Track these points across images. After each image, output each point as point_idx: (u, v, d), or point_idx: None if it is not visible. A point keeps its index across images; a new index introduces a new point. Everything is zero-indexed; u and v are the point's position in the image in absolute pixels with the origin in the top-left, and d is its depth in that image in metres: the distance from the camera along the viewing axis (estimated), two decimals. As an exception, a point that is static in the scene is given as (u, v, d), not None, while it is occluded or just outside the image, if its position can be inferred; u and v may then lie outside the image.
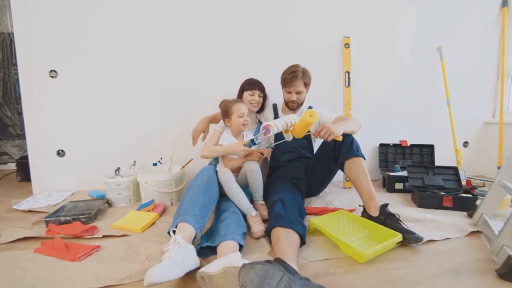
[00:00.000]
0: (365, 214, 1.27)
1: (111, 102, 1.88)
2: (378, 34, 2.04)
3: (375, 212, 1.21)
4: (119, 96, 1.88)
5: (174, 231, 0.93)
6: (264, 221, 1.27)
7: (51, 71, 1.80)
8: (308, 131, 1.28)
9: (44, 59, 1.79)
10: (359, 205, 1.33)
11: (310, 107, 1.63)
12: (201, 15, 1.86)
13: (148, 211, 1.46)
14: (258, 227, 1.17)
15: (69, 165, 1.89)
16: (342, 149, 1.33)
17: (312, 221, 1.21)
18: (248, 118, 1.40)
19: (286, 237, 1.00)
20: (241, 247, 1.02)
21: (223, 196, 1.31)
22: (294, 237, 1.02)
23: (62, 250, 1.07)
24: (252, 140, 1.30)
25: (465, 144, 2.27)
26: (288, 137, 1.30)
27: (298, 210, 1.21)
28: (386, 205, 1.21)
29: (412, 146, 2.08)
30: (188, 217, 1.01)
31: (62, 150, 1.88)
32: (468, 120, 2.24)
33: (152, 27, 1.84)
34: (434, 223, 1.28)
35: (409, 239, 1.07)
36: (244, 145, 1.32)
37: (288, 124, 1.26)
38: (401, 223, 1.15)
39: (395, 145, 2.09)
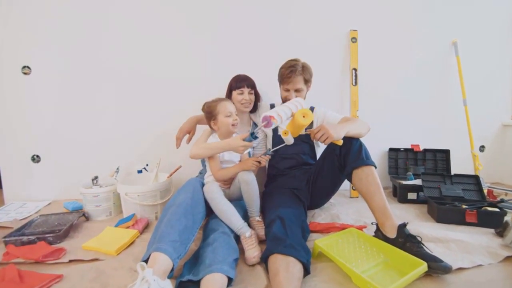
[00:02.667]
0: (379, 234, 1.07)
1: (92, 101, 1.70)
2: (387, 28, 1.85)
3: (391, 233, 1.02)
4: (101, 94, 1.70)
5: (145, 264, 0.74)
6: (262, 242, 1.09)
7: (24, 67, 1.62)
8: (306, 131, 1.09)
9: (16, 53, 1.60)
10: (372, 223, 1.14)
11: (312, 108, 1.43)
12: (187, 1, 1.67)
13: (128, 227, 1.27)
14: (252, 252, 0.97)
15: (45, 171, 1.71)
16: (349, 157, 1.15)
17: (317, 243, 1.02)
18: (237, 118, 1.21)
19: (286, 269, 0.81)
20: (230, 280, 0.83)
21: (212, 212, 1.11)
22: (296, 268, 0.83)
23: (14, 282, 0.88)
24: (252, 134, 1.07)
25: (481, 148, 2.08)
26: (288, 140, 1.07)
27: (300, 230, 1.03)
28: (404, 225, 1.02)
29: (425, 150, 1.89)
30: (164, 245, 0.81)
31: (37, 155, 1.69)
32: (484, 122, 2.04)
33: (133, 15, 1.66)
34: (460, 244, 1.10)
35: (436, 268, 0.88)
36: (243, 139, 1.09)
37: (294, 110, 1.05)
38: (424, 247, 0.96)
39: (406, 150, 1.90)
